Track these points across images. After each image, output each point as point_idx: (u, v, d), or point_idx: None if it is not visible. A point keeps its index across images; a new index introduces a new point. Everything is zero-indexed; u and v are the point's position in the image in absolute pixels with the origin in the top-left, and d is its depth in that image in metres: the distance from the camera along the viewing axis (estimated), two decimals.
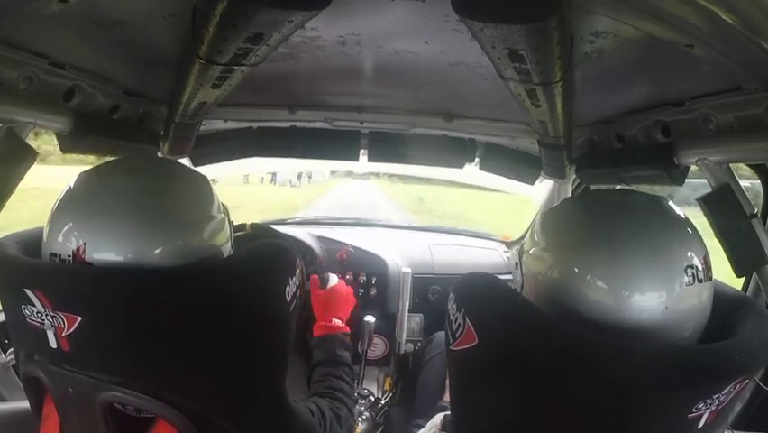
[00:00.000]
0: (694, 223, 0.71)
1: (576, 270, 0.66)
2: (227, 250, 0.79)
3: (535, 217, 2.19)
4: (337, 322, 1.34)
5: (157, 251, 0.69)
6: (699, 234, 0.69)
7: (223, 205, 0.81)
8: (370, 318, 1.83)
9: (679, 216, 0.70)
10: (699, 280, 0.65)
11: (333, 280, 1.47)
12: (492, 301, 0.68)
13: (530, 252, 0.74)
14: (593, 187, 1.81)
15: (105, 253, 0.68)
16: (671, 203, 0.72)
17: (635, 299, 0.63)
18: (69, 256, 0.69)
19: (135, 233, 0.69)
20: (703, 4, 0.59)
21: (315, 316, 1.39)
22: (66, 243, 0.69)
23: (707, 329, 0.69)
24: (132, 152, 1.30)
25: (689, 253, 0.65)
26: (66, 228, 0.69)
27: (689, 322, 0.65)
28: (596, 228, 0.69)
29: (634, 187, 1.34)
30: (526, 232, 2.26)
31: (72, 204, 0.72)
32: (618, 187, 1.34)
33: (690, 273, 0.64)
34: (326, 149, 1.76)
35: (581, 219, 0.73)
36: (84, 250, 0.68)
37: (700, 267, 0.65)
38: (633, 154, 1.23)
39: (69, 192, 0.73)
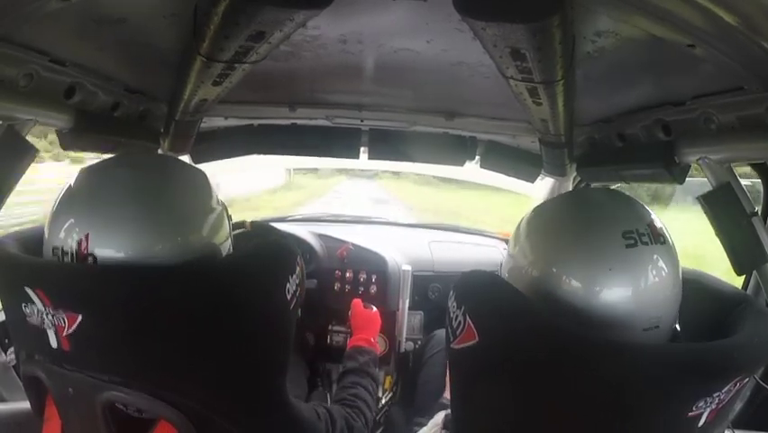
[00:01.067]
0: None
1: (537, 256, 0.71)
2: (227, 247, 0.79)
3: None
4: (375, 343, 1.45)
5: (158, 247, 0.69)
6: (643, 206, 0.71)
7: (222, 202, 0.81)
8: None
9: (626, 200, 0.73)
10: (644, 243, 0.66)
11: (374, 308, 1.64)
12: (493, 299, 0.68)
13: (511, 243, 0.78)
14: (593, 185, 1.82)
15: (108, 246, 0.68)
16: (622, 193, 0.76)
17: (583, 266, 0.66)
18: (72, 249, 0.68)
19: (137, 227, 0.69)
20: (705, 4, 0.59)
21: (319, 320, 1.53)
22: (68, 237, 0.68)
23: (706, 327, 0.69)
24: (132, 149, 1.30)
25: (626, 221, 0.67)
26: (68, 223, 0.69)
27: (649, 291, 0.66)
28: (548, 219, 0.75)
29: (634, 185, 1.35)
30: None
31: (75, 199, 0.72)
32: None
33: (630, 238, 0.66)
34: (327, 146, 1.76)
35: (537, 216, 0.77)
36: (87, 243, 0.67)
37: (643, 231, 0.66)
38: (634, 153, 1.23)
39: (71, 188, 0.73)
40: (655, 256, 0.67)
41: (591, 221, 0.70)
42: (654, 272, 0.66)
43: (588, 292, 0.66)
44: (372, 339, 1.46)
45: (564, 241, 0.70)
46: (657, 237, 0.67)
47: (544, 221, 0.75)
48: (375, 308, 1.62)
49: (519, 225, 0.77)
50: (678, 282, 0.69)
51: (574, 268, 0.67)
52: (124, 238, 0.68)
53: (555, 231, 0.72)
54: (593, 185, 1.77)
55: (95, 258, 0.68)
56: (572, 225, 0.71)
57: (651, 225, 0.68)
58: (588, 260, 0.66)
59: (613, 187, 1.40)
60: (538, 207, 0.78)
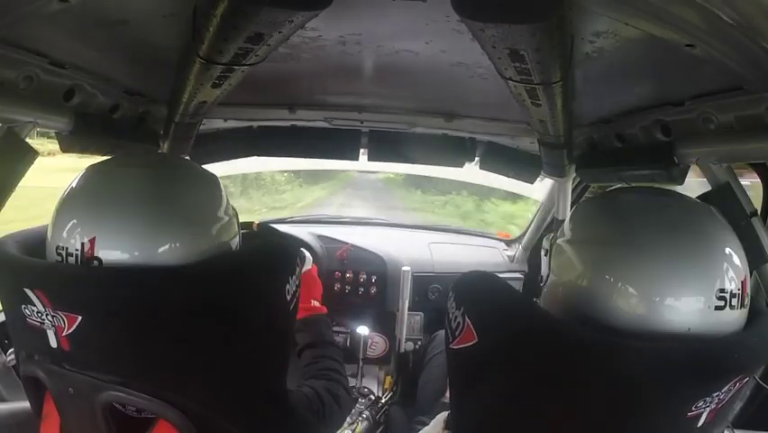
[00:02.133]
0: None
1: (605, 273, 0.64)
2: (235, 248, 0.79)
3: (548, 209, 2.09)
4: (316, 303, 1.33)
5: (164, 250, 0.69)
6: (743, 253, 0.64)
7: (232, 206, 0.81)
8: (363, 330, 1.89)
9: (724, 230, 0.66)
10: (732, 307, 0.61)
11: (309, 262, 1.45)
12: (491, 300, 0.68)
13: (559, 243, 0.72)
14: (593, 185, 1.81)
15: (115, 248, 0.68)
16: (716, 213, 0.67)
17: (657, 316, 0.61)
18: (78, 250, 0.68)
19: (145, 232, 0.68)
20: (704, 4, 0.59)
21: None
22: (74, 237, 0.68)
23: None
24: (132, 151, 1.30)
25: (726, 276, 0.61)
26: (74, 222, 0.68)
27: (708, 338, 0.62)
28: (631, 233, 0.65)
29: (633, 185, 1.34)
30: (526, 229, 2.29)
31: (81, 197, 0.71)
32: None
33: (722, 298, 0.60)
34: (326, 148, 1.76)
35: (618, 220, 0.69)
36: (93, 246, 0.67)
37: (736, 292, 0.61)
38: (633, 153, 1.23)
39: (77, 186, 0.72)
40: (735, 320, 0.62)
41: (694, 268, 0.60)
42: (725, 330, 0.61)
43: (649, 332, 0.60)
44: (314, 302, 1.33)
45: (652, 273, 0.61)
46: (744, 299, 0.62)
47: (637, 238, 0.64)
48: (310, 262, 1.44)
49: (576, 228, 0.71)
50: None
51: (649, 306, 0.61)
52: (131, 242, 0.68)
53: (649, 267, 0.61)
54: (588, 185, 1.77)
55: (100, 261, 0.68)
56: (667, 262, 0.61)
57: (744, 282, 0.62)
58: (671, 311, 0.60)
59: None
60: (619, 214, 0.69)
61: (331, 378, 1.08)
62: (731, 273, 0.62)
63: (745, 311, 0.63)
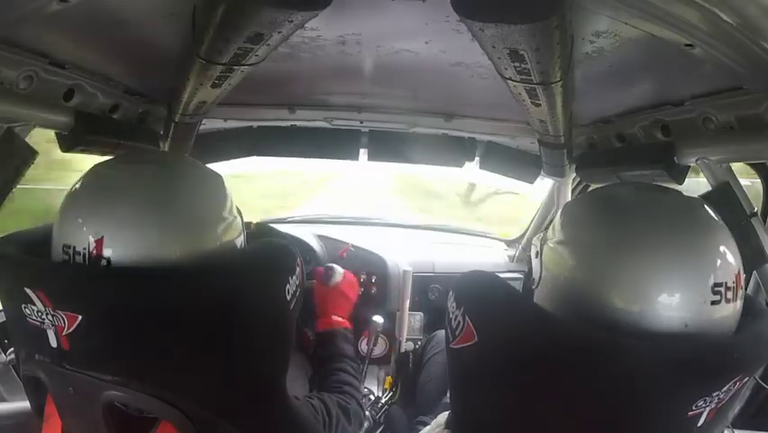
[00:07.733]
0: None
1: (599, 271, 0.63)
2: (240, 247, 0.79)
3: (543, 209, 2.09)
4: (338, 319, 1.38)
5: (172, 250, 0.69)
6: (735, 247, 0.64)
7: (237, 206, 0.81)
8: (378, 319, 1.85)
9: (716, 224, 0.65)
10: (728, 301, 0.60)
11: (338, 275, 1.49)
12: (492, 300, 0.68)
13: (551, 244, 0.71)
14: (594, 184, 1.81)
15: (123, 246, 0.67)
16: (707, 208, 0.67)
17: (654, 313, 0.60)
18: (85, 249, 0.68)
19: (154, 227, 0.68)
20: (703, 4, 0.59)
21: (317, 311, 1.44)
22: (82, 235, 0.68)
23: None
24: (132, 151, 1.30)
25: (720, 270, 0.61)
26: (82, 221, 0.68)
27: (709, 337, 0.61)
28: (625, 230, 0.64)
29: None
30: (527, 229, 2.29)
31: (89, 196, 0.71)
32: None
33: (717, 293, 0.60)
34: (326, 148, 1.76)
35: (611, 217, 0.68)
36: (102, 243, 0.67)
37: (731, 285, 0.60)
38: (633, 153, 1.23)
39: (85, 185, 0.72)
40: (731, 313, 0.61)
41: (688, 263, 0.60)
42: (721, 324, 0.61)
43: (646, 329, 0.60)
44: (335, 317, 1.39)
45: (646, 270, 0.60)
46: (738, 290, 0.61)
47: (629, 235, 0.63)
48: (340, 275, 1.49)
49: (584, 222, 0.69)
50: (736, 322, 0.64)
51: (645, 303, 0.60)
52: (139, 240, 0.68)
53: (644, 265, 0.60)
54: (588, 185, 1.76)
55: (108, 260, 0.68)
56: (662, 258, 0.60)
57: (738, 274, 0.62)
58: (667, 307, 0.59)
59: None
60: (610, 211, 0.68)
61: (343, 391, 1.11)
62: (725, 267, 0.61)
63: (739, 303, 0.63)
